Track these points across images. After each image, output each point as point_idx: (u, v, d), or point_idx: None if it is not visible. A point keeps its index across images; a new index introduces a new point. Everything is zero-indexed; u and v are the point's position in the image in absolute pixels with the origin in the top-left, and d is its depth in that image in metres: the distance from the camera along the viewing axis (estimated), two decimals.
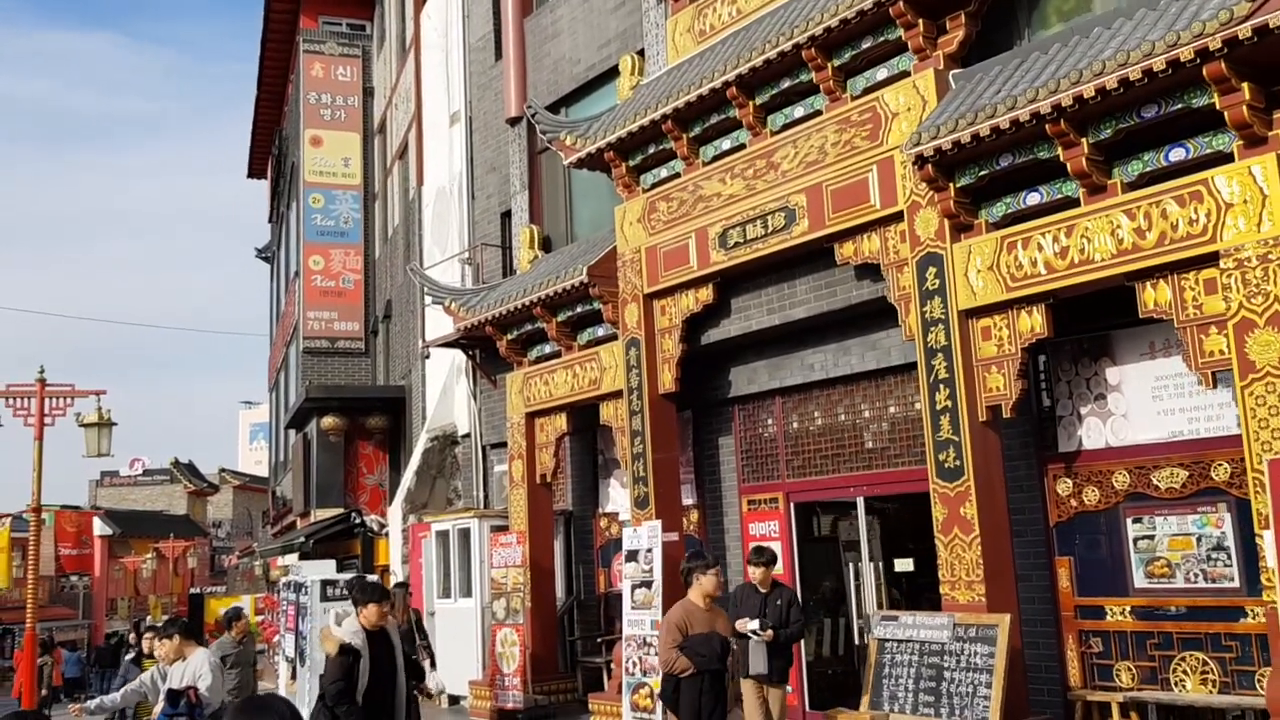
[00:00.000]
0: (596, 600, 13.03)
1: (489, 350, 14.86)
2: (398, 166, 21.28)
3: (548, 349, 12.79)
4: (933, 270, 8.27)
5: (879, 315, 9.62)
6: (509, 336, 13.05)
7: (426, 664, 9.74)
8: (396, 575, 15.48)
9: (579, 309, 11.96)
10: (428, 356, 15.03)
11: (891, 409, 9.92)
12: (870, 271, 9.29)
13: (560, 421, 12.50)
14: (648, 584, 10.15)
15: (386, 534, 17.50)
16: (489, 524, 13.09)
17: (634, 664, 10.11)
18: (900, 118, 8.63)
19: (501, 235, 15.14)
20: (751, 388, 11.00)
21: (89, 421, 14.88)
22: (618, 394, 11.47)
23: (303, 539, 16.68)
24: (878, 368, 9.83)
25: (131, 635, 39.03)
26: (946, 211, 8.13)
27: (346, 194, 23.39)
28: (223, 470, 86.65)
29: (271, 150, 30.63)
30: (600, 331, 12.02)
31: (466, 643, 12.83)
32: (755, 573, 8.52)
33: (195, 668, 7.38)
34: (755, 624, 8.26)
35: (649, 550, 10.21)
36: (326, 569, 15.66)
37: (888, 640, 8.23)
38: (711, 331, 10.92)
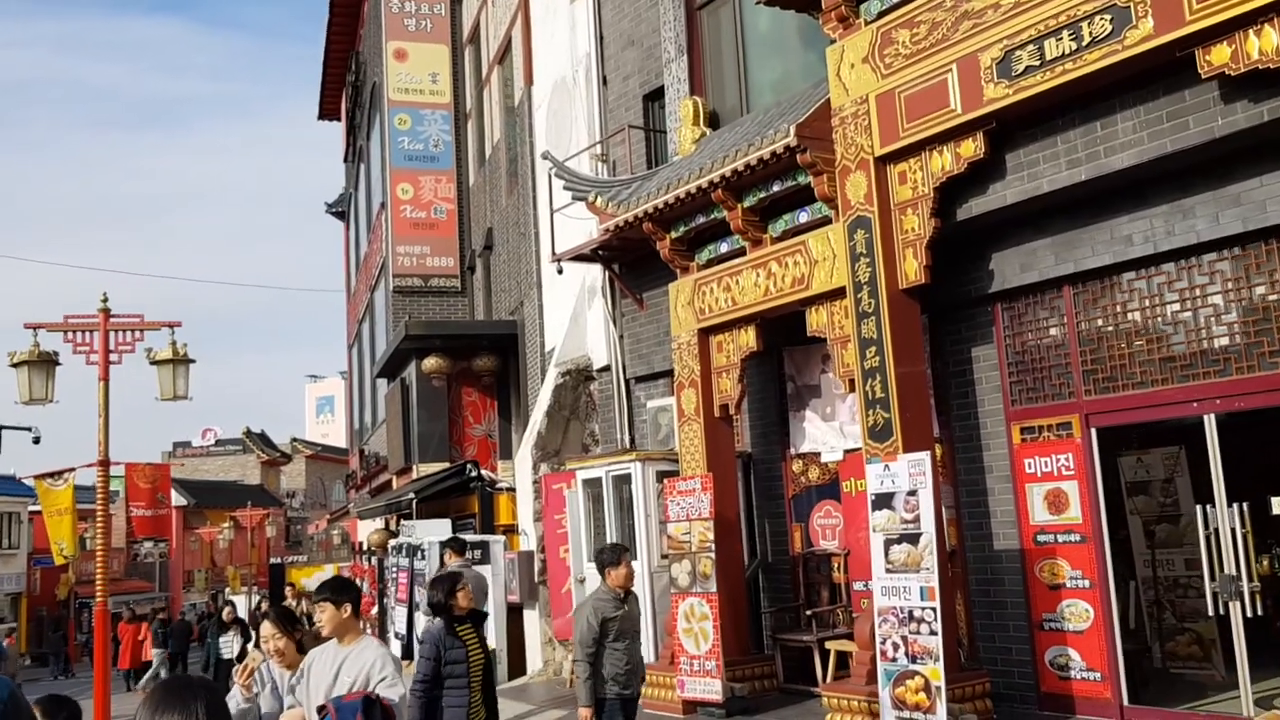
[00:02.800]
0: (790, 562, 10.39)
1: (633, 263, 12.24)
2: (496, 74, 18.65)
3: (725, 247, 10.10)
4: None
5: (1251, 155, 6.80)
6: (673, 235, 10.37)
7: None
8: (527, 535, 12.98)
9: (774, 188, 9.24)
10: (560, 271, 12.41)
11: (1259, 289, 7.08)
12: (1253, 87, 6.46)
13: (747, 336, 9.81)
14: (912, 538, 7.46)
15: (505, 488, 15.03)
16: (654, 468, 10.48)
17: (895, 646, 7.45)
18: None
19: (645, 121, 12.43)
20: (1026, 276, 8.20)
21: (162, 357, 12.51)
22: (835, 294, 8.75)
23: (412, 495, 14.27)
24: (1242, 231, 6.99)
25: (211, 606, 37.52)
26: None
27: (435, 114, 20.83)
28: (294, 440, 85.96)
29: (346, 78, 28.17)
30: (803, 216, 9.29)
31: None
32: (616, 573, 6.85)
33: (367, 664, 4.92)
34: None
35: (911, 493, 7.51)
36: (442, 529, 13.27)
37: None
38: (974, 202, 8.13)
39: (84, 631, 40.61)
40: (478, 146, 20.45)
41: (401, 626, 12.94)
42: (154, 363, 12.56)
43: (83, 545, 35.22)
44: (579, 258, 12.44)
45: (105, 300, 12.54)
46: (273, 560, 38.90)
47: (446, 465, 16.64)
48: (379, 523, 26.30)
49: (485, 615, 6.70)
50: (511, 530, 14.12)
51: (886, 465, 7.72)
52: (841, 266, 8.60)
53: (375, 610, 19.46)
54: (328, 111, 32.74)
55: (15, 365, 12.11)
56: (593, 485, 11.15)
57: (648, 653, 10.13)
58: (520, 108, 16.63)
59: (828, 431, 10.08)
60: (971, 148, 7.82)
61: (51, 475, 12.74)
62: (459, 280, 20.54)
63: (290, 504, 71.96)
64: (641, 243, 11.42)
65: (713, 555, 9.25)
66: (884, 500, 7.69)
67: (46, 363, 12.22)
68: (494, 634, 12.80)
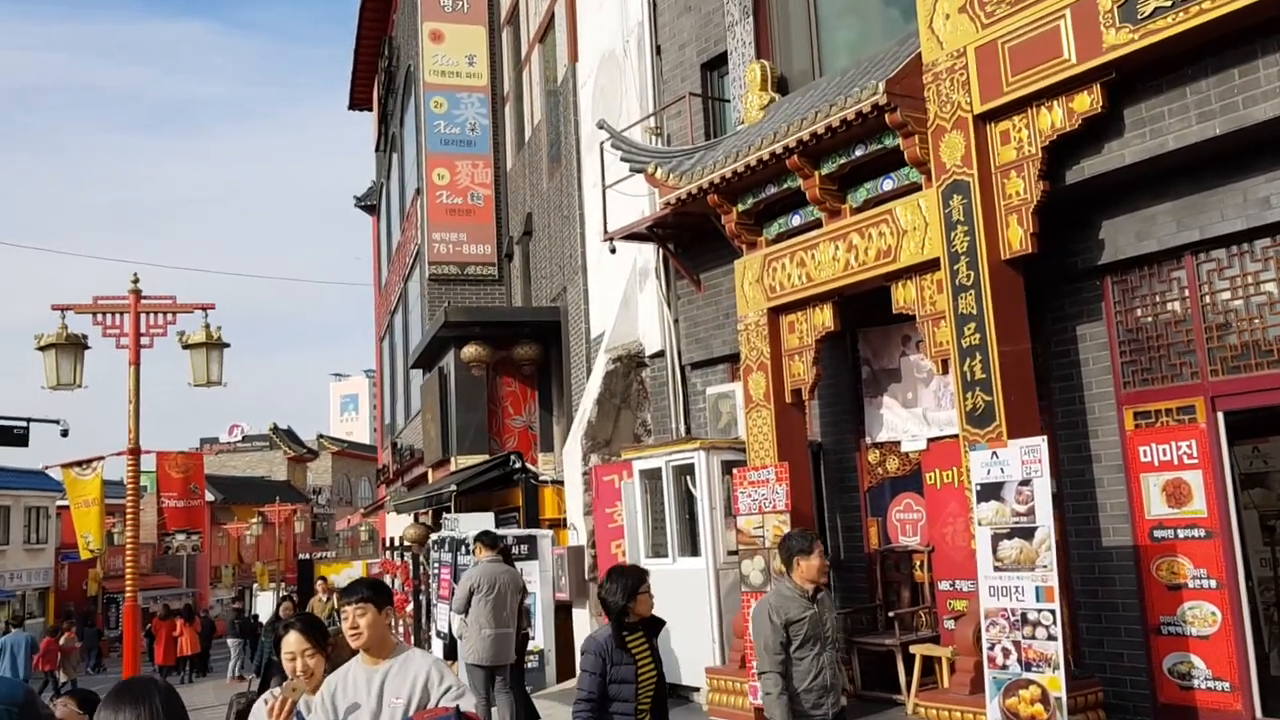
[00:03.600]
0: (866, 560, 9.67)
1: (689, 242, 11.55)
2: (537, 53, 17.99)
3: (797, 219, 9.38)
4: None
5: None
6: (740, 207, 9.66)
7: None
8: (576, 530, 12.31)
9: (857, 152, 8.51)
10: (613, 251, 11.74)
11: None
12: None
13: (823, 315, 9.09)
14: (1024, 532, 6.72)
15: (548, 481, 14.37)
16: (718, 457, 9.78)
17: (1005, 652, 6.72)
18: None
19: (703, 91, 11.73)
20: (1143, 245, 7.44)
21: (195, 341, 11.92)
22: (926, 266, 8.02)
23: (453, 486, 13.62)
24: None
25: (239, 604, 37.06)
26: None
27: (472, 96, 20.20)
28: (321, 436, 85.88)
29: (379, 64, 27.59)
30: (887, 184, 8.56)
31: (695, 617, 9.58)
32: (807, 564, 5.73)
33: (420, 678, 4.08)
34: None
35: (1024, 483, 6.77)
36: (485, 524, 12.62)
37: None
38: (1086, 163, 7.39)
39: (112, 627, 40.34)
40: (516, 130, 19.81)
41: (444, 625, 12.29)
42: (186, 346, 11.98)
43: (111, 541, 34.93)
44: (632, 236, 11.76)
45: (136, 281, 11.97)
46: (301, 556, 38.46)
47: (486, 457, 16.01)
48: (408, 518, 25.75)
49: (661, 624, 5.56)
50: (557, 524, 13.46)
51: (995, 452, 6.98)
52: (935, 236, 7.87)
53: (410, 608, 18.85)
54: (358, 101, 32.20)
55: (42, 349, 11.55)
56: (651, 476, 10.46)
57: (713, 654, 9.46)
58: (563, 86, 15.97)
59: (909, 419, 9.36)
60: (1087, 101, 7.08)
61: (79, 464, 12.18)
62: (496, 268, 19.91)
63: (316, 500, 71.79)
64: (700, 219, 10.75)
65: None
66: (991, 491, 6.95)
67: (75, 346, 11.67)
68: (542, 633, 12.15)
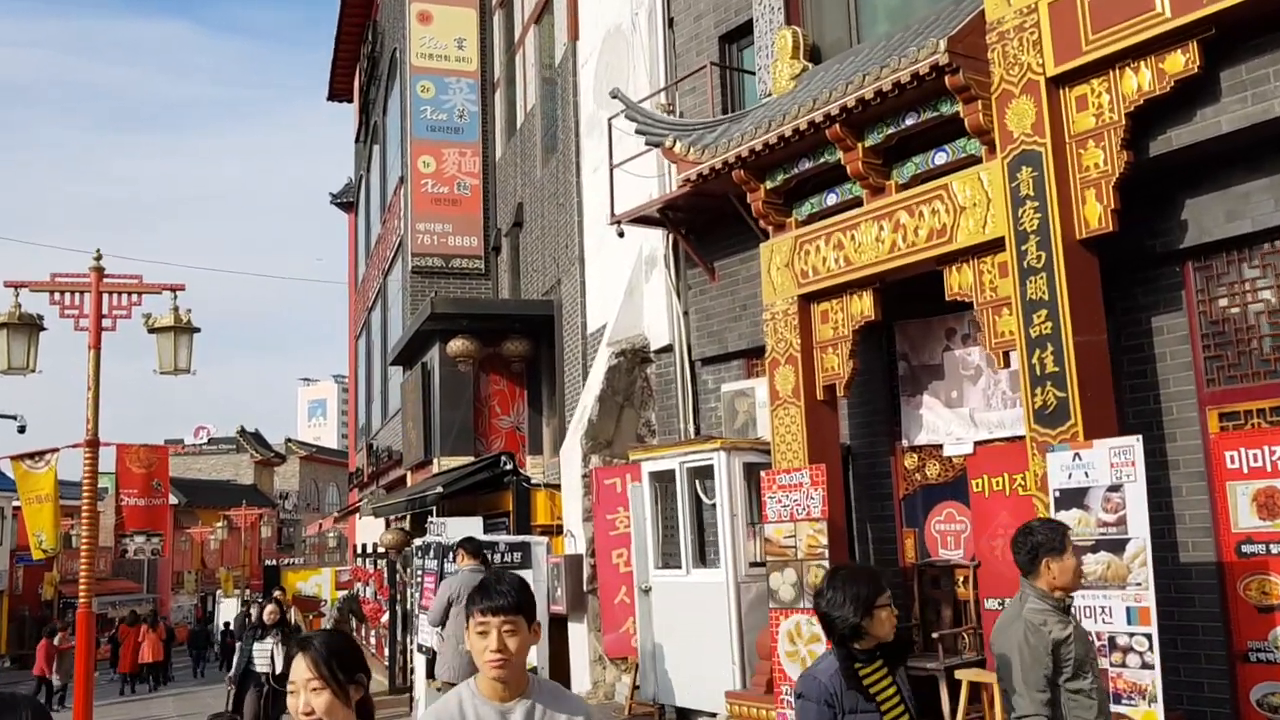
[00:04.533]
0: (901, 575, 8.82)
1: (702, 227, 10.73)
2: (532, 35, 17.12)
3: (832, 198, 8.56)
4: None
5: None
6: (768, 184, 8.82)
7: None
8: (574, 537, 11.39)
9: (907, 121, 7.69)
10: (621, 234, 10.88)
11: None
12: None
13: (862, 303, 8.25)
14: (1114, 545, 5.90)
15: (540, 484, 13.44)
16: (740, 458, 8.91)
17: None
18: None
19: (721, 61, 10.90)
20: (1234, 226, 6.66)
21: (162, 324, 10.92)
22: (987, 247, 7.21)
23: (440, 489, 12.66)
24: None
25: (200, 612, 35.74)
26: None
27: (461, 82, 19.27)
28: (289, 440, 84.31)
29: (361, 50, 26.59)
30: (940, 157, 7.75)
31: (711, 635, 8.69)
32: (1060, 567, 4.20)
33: None
34: None
35: (1114, 488, 5.95)
36: (473, 528, 11.69)
37: None
38: (1175, 131, 6.61)
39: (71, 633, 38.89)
40: (507, 118, 18.91)
41: (425, 637, 11.35)
42: (153, 330, 10.98)
43: (68, 543, 33.53)
44: (641, 220, 10.91)
45: (99, 258, 10.96)
46: (267, 562, 37.23)
47: (471, 459, 15.07)
48: (380, 524, 24.70)
49: (908, 650, 4.02)
50: (549, 531, 12.54)
51: (1077, 454, 6.16)
52: (999, 213, 7.06)
53: (385, 618, 17.83)
54: (338, 91, 31.17)
55: None
56: (661, 479, 9.58)
57: (733, 676, 8.58)
58: (562, 66, 15.10)
59: (952, 420, 8.53)
60: (1181, 62, 6.30)
61: (31, 456, 11.15)
62: (482, 261, 18.97)
63: (283, 505, 70.31)
64: (718, 201, 9.93)
65: (826, 564, 7.68)
66: (1073, 498, 6.13)
67: (29, 326, 10.65)
68: (534, 650, 11.22)
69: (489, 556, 11.37)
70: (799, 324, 8.59)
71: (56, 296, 10.85)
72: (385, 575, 19.85)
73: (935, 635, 8.01)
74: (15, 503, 37.68)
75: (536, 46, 16.82)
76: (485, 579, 3.01)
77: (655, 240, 11.56)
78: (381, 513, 16.88)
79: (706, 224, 10.62)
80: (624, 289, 11.95)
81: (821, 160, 8.31)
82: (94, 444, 10.64)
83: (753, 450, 8.99)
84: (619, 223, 10.88)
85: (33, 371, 10.64)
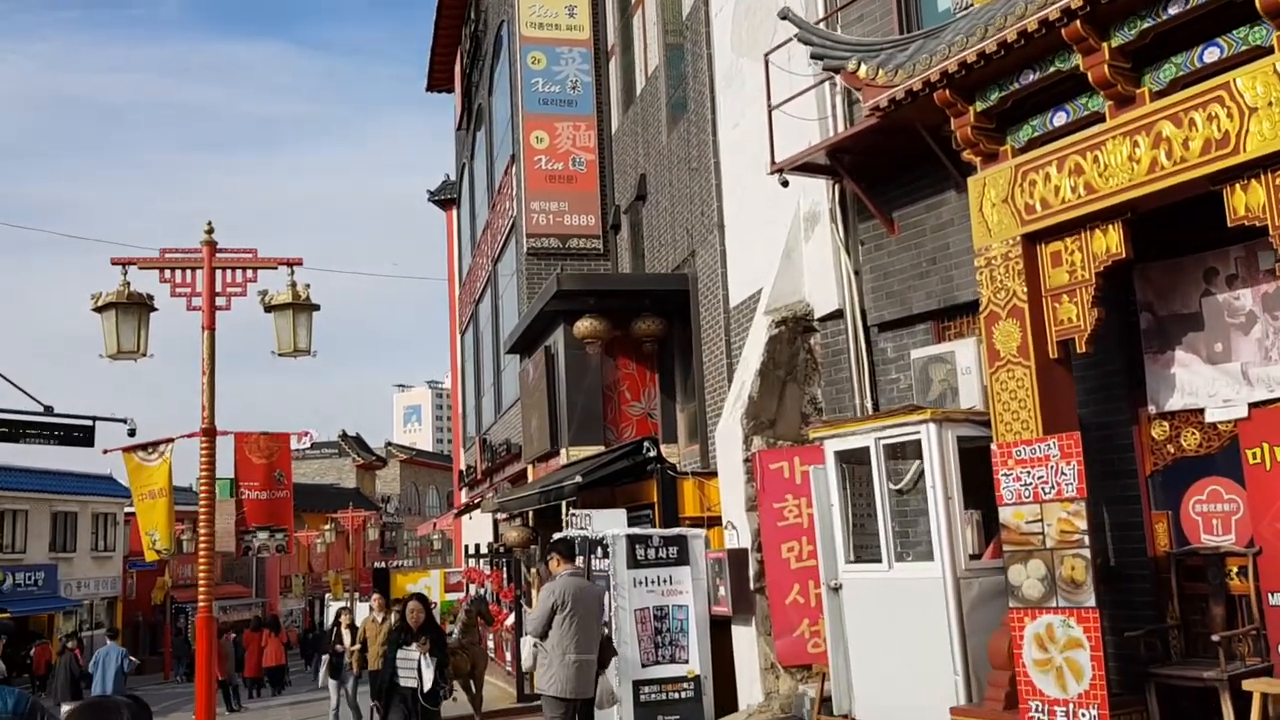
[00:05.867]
0: (1152, 567, 7.37)
1: (874, 174, 9.39)
2: None
3: (1060, 118, 7.14)
4: None
5: None
6: (978, 106, 7.44)
7: None
8: (736, 529, 10.13)
9: (1170, 10, 6.26)
10: (785, 184, 9.62)
11: None
12: None
13: (1108, 238, 6.82)
14: None
15: (688, 472, 12.23)
16: (952, 431, 7.55)
17: None
18: None
19: None
20: None
21: (279, 301, 9.98)
22: None
23: (578, 478, 11.52)
24: None
25: (306, 619, 35.44)
26: None
27: (574, 51, 18.20)
28: (389, 444, 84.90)
29: (463, 32, 25.77)
30: (1210, 54, 6.29)
31: (924, 640, 7.34)
32: None
33: None
34: None
35: None
36: (616, 520, 10.55)
37: None
38: None
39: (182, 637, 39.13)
40: (623, 86, 17.77)
41: (526, 658, 10.23)
42: (269, 308, 10.05)
43: (180, 548, 33.49)
44: (804, 168, 9.61)
45: (210, 230, 10.07)
46: (376, 565, 36.80)
47: (602, 449, 13.93)
48: (488, 522, 23.74)
49: None
50: (698, 523, 11.30)
51: None
52: None
53: (510, 621, 16.81)
54: (437, 81, 30.46)
55: (100, 309, 9.68)
56: (848, 460, 8.25)
57: (955, 689, 7.20)
58: (691, 18, 13.89)
59: (1216, 378, 7.05)
60: None
61: (144, 448, 10.33)
62: (601, 240, 17.86)
63: (385, 509, 70.59)
64: (901, 139, 8.61)
65: (1086, 553, 6.29)
66: None
67: (139, 306, 9.79)
68: (697, 655, 10.01)
69: (638, 552, 10.24)
70: (1024, 269, 7.19)
71: (167, 274, 10.00)
72: (505, 575, 18.87)
73: (1216, 638, 6.54)
74: (128, 509, 37.88)
75: (658, 4, 15.63)
76: None
77: (816, 193, 10.25)
78: (508, 507, 15.85)
79: (882, 168, 9.28)
80: (780, 252, 10.66)
81: (1052, 69, 6.91)
82: (210, 433, 9.75)
83: (967, 422, 7.62)
84: (780, 170, 9.58)
85: (143, 356, 9.80)
